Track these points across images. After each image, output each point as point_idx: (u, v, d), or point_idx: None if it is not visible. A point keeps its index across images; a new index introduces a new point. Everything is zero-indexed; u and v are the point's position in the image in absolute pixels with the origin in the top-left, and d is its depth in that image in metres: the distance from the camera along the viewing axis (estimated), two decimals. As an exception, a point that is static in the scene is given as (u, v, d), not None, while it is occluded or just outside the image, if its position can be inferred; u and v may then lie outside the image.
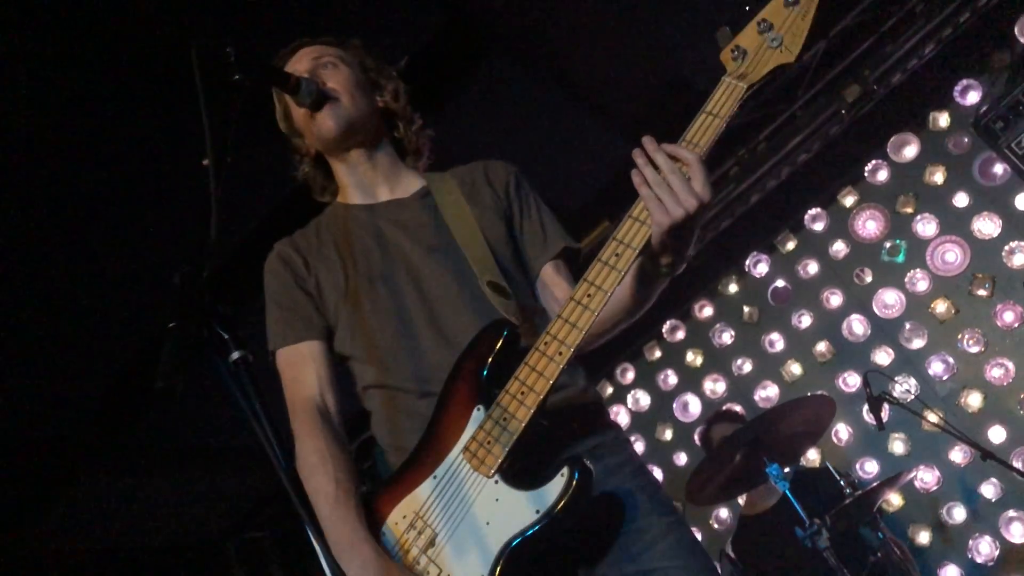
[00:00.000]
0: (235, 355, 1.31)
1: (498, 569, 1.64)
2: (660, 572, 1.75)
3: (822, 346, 5.81)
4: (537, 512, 1.63)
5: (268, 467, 1.27)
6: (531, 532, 1.63)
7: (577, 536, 1.76)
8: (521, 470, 1.69)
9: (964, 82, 5.21)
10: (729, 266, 6.22)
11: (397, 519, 1.81)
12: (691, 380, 6.36)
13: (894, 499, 5.36)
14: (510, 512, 1.66)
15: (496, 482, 1.69)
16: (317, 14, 3.41)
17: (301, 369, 2.03)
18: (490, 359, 1.78)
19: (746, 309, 6.15)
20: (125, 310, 4.00)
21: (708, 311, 6.32)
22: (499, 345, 1.78)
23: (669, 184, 1.58)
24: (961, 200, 5.36)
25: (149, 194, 3.57)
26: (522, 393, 1.67)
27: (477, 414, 1.75)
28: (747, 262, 6.13)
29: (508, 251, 2.07)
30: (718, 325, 6.26)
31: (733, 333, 6.21)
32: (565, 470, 1.63)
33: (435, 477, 1.79)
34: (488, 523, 1.68)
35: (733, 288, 6.23)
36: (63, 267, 3.76)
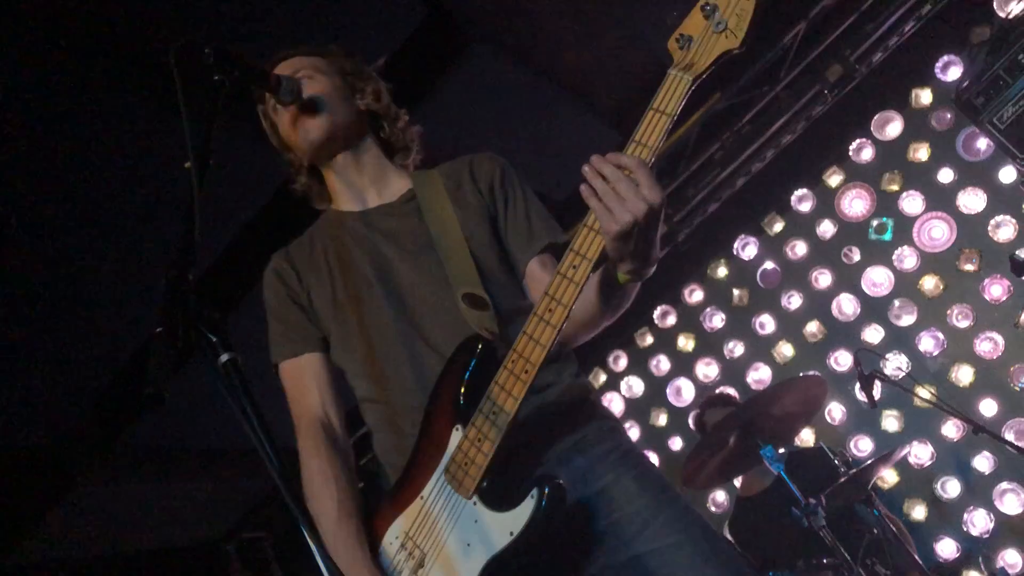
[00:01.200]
0: (224, 357, 1.31)
1: None
2: (654, 553, 1.75)
3: (813, 326, 5.84)
4: (511, 534, 1.63)
5: (265, 467, 1.27)
6: (507, 554, 1.64)
7: (568, 537, 1.76)
8: (498, 490, 1.69)
9: (945, 58, 5.23)
10: (718, 250, 6.23)
11: (391, 539, 1.84)
12: (683, 365, 6.38)
13: (889, 476, 5.39)
14: (487, 534, 1.66)
15: (475, 503, 1.70)
16: (298, 10, 3.40)
17: (302, 384, 2.06)
18: (463, 377, 1.77)
19: (736, 292, 6.17)
20: (117, 314, 3.99)
21: (698, 295, 6.33)
22: (472, 365, 1.77)
23: (616, 191, 1.53)
24: (946, 176, 5.38)
25: (135, 198, 3.56)
26: (493, 414, 1.67)
27: (456, 434, 1.75)
28: (735, 245, 6.14)
29: (492, 253, 2.05)
30: (709, 309, 6.27)
31: (724, 316, 6.23)
32: (535, 491, 1.62)
33: (422, 498, 1.80)
34: (469, 544, 1.69)
35: (722, 272, 6.24)
36: (52, 273, 3.74)
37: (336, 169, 2.18)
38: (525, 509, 1.62)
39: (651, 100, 1.60)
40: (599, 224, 1.58)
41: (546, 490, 1.62)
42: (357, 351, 2.02)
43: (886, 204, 5.59)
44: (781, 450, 4.27)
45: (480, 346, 1.78)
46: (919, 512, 5.31)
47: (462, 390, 1.77)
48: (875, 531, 4.27)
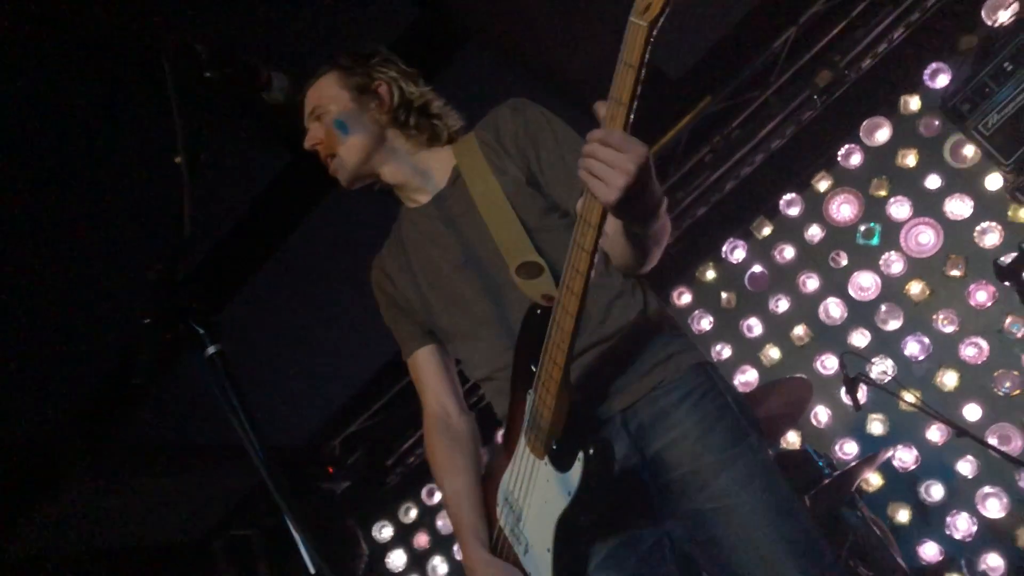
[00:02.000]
0: (211, 350, 1.33)
1: (554, 543, 1.82)
2: (713, 512, 1.83)
3: (800, 329, 5.87)
4: (568, 494, 1.76)
5: (253, 464, 1.28)
6: (570, 512, 1.78)
7: (632, 492, 1.89)
8: (560, 451, 1.81)
9: (933, 65, 5.26)
10: (706, 253, 6.26)
11: (501, 497, 2.03)
12: (672, 367, 6.39)
13: (873, 479, 5.42)
14: (556, 493, 1.80)
15: (546, 464, 1.83)
16: (289, 9, 3.41)
17: (419, 380, 2.29)
18: (530, 346, 1.87)
19: (724, 295, 6.19)
20: (104, 308, 3.99)
21: (687, 298, 6.36)
22: (534, 332, 1.85)
23: (605, 164, 1.55)
24: (933, 182, 5.42)
25: (124, 192, 3.57)
26: (546, 383, 1.77)
27: (529, 399, 1.87)
28: (724, 248, 6.17)
29: (542, 207, 2.09)
30: (697, 311, 6.30)
31: (712, 319, 6.25)
32: (581, 454, 1.73)
33: (515, 458, 1.97)
34: (546, 502, 1.84)
35: (711, 274, 6.27)
36: (41, 267, 3.74)
37: (384, 179, 2.27)
38: (575, 471, 1.74)
39: (620, 50, 1.57)
40: (599, 198, 1.60)
41: (591, 451, 1.72)
42: (455, 342, 2.19)
43: (874, 209, 5.63)
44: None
45: (537, 313, 1.87)
46: (903, 515, 5.35)
47: (532, 357, 1.86)
48: (859, 533, 4.31)
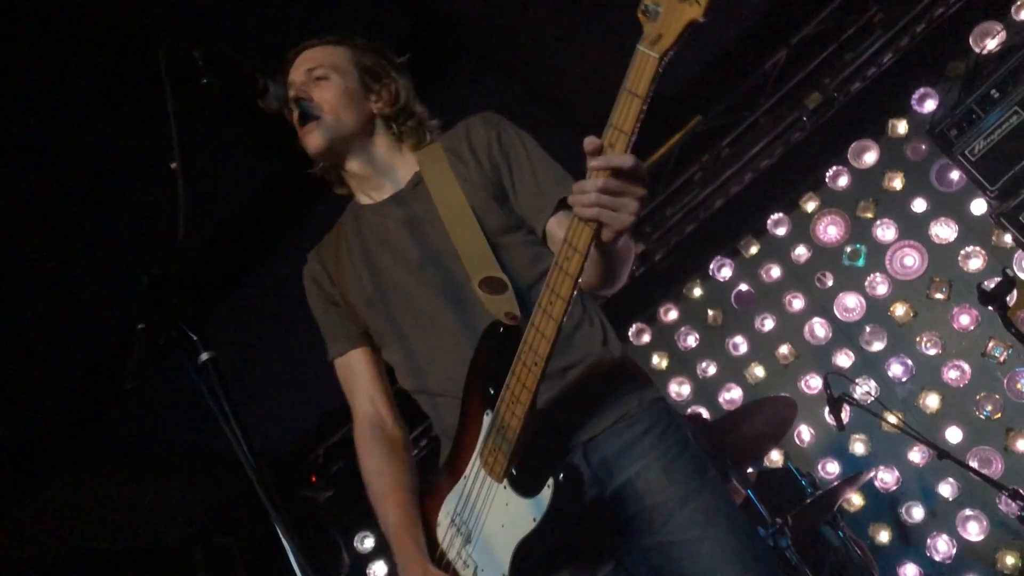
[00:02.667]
0: (203, 356, 1.33)
1: (511, 569, 1.76)
2: (677, 545, 1.81)
3: (784, 349, 5.90)
4: (534, 520, 1.71)
5: (235, 471, 1.28)
6: (532, 539, 1.72)
7: (596, 521, 1.84)
8: (523, 476, 1.76)
9: (921, 90, 5.32)
10: (693, 270, 6.29)
11: (444, 514, 1.95)
12: (657, 382, 6.36)
13: (855, 499, 5.45)
14: (516, 517, 1.75)
15: (505, 487, 1.77)
16: (282, 18, 3.42)
17: (349, 381, 2.20)
18: (489, 365, 1.82)
19: (710, 312, 6.22)
20: (91, 312, 3.97)
21: (673, 314, 6.38)
22: (494, 351, 1.81)
23: (613, 189, 1.53)
24: (919, 205, 5.47)
25: (118, 196, 3.56)
26: (512, 403, 1.71)
27: (487, 419, 1.81)
28: (711, 266, 6.20)
29: (505, 223, 2.05)
30: (683, 328, 6.32)
31: (698, 336, 6.28)
32: (550, 481, 1.68)
33: (465, 478, 1.88)
34: (503, 526, 1.78)
35: (697, 292, 6.30)
36: (29, 269, 3.73)
37: (346, 168, 2.22)
38: (544, 497, 1.69)
39: (624, 78, 1.54)
40: (607, 232, 1.58)
41: (561, 477, 1.68)
42: (391, 346, 2.11)
43: (860, 231, 5.68)
44: (750, 469, 4.31)
45: (500, 332, 1.83)
46: (883, 536, 5.38)
47: (487, 376, 1.82)
48: (839, 553, 4.33)
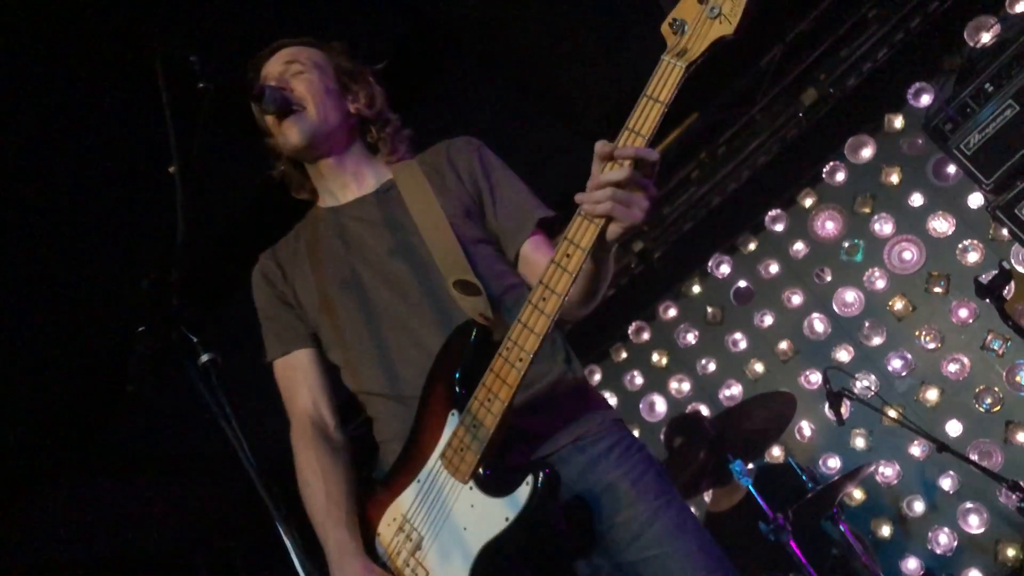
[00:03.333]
0: (204, 358, 1.34)
1: (473, 573, 1.69)
2: (646, 562, 1.78)
3: (784, 344, 5.91)
4: (507, 520, 1.67)
5: (236, 476, 1.29)
6: (502, 539, 1.67)
7: (564, 535, 1.80)
8: (494, 476, 1.72)
9: (917, 85, 5.33)
10: (692, 268, 6.29)
11: (388, 522, 1.87)
12: (657, 380, 6.43)
13: (855, 493, 5.46)
14: (483, 518, 1.70)
15: (471, 488, 1.73)
16: (279, 21, 3.43)
17: (293, 380, 2.11)
18: (460, 363, 1.79)
19: (709, 309, 6.23)
20: (92, 315, 3.98)
21: (672, 312, 6.39)
22: (467, 349, 1.79)
23: (629, 185, 1.53)
24: (916, 200, 5.48)
25: (117, 200, 3.57)
26: (488, 400, 1.69)
27: (452, 419, 1.78)
28: (710, 263, 6.21)
29: (479, 237, 2.05)
30: (682, 326, 6.33)
31: (697, 333, 6.29)
32: (529, 478, 1.66)
33: (419, 481, 1.83)
34: (465, 528, 1.72)
35: (696, 289, 6.31)
36: (32, 272, 3.74)
37: (319, 168, 2.19)
38: (521, 495, 1.65)
39: (645, 86, 1.55)
40: (616, 227, 1.58)
41: (540, 476, 1.65)
42: (346, 346, 2.04)
43: (858, 226, 5.68)
44: (750, 465, 4.32)
45: (475, 331, 1.80)
46: (885, 530, 5.38)
47: (457, 375, 1.78)
48: (841, 548, 4.33)
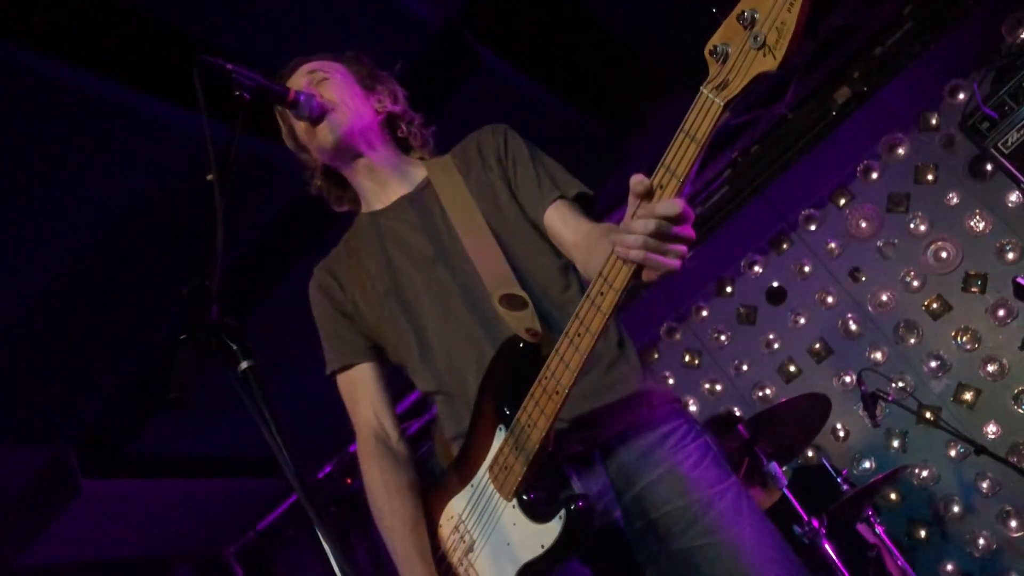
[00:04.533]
0: (243, 365, 1.36)
1: None
2: (700, 549, 1.77)
3: (818, 345, 5.86)
4: (542, 547, 1.70)
5: (275, 478, 1.31)
6: (539, 564, 1.71)
7: (614, 533, 1.82)
8: (534, 500, 1.74)
9: (953, 82, 5.27)
10: (725, 267, 6.26)
11: (445, 520, 1.93)
12: (689, 381, 6.40)
13: (891, 495, 5.40)
14: (523, 539, 1.73)
15: (514, 507, 1.75)
16: (311, 25, 3.47)
17: (355, 394, 2.16)
18: (506, 381, 1.81)
19: (742, 310, 6.20)
20: (136, 322, 4.05)
21: (704, 312, 6.37)
22: (513, 365, 1.80)
23: (661, 236, 1.49)
24: (952, 199, 5.42)
25: (155, 205, 3.62)
26: (528, 427, 1.69)
27: (499, 434, 1.80)
28: (742, 263, 6.18)
29: (520, 232, 2.06)
30: (715, 326, 6.30)
31: (730, 334, 6.26)
32: (562, 512, 1.67)
33: (472, 486, 1.87)
34: (508, 544, 1.76)
35: (729, 289, 6.28)
36: (74, 279, 3.80)
37: (356, 169, 2.21)
38: (554, 527, 1.68)
39: (683, 119, 1.48)
40: (652, 273, 1.56)
41: (573, 509, 1.67)
42: (412, 348, 2.07)
43: (893, 225, 5.63)
44: (785, 467, 4.29)
45: (521, 346, 1.81)
46: (921, 532, 5.32)
47: (503, 392, 1.80)
48: (876, 550, 4.30)
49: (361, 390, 2.14)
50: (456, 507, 1.90)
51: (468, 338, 1.97)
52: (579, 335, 1.61)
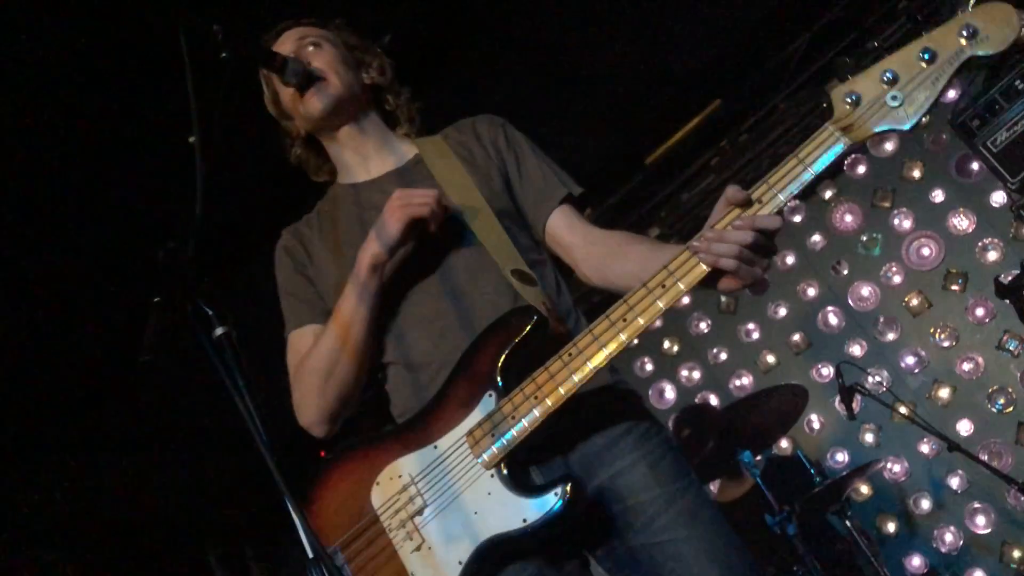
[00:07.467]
0: (219, 330, 1.33)
1: (473, 557, 1.66)
2: (660, 545, 1.76)
3: (797, 337, 5.89)
4: (524, 521, 1.63)
5: (246, 449, 1.28)
6: (514, 538, 1.64)
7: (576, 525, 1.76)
8: (517, 471, 1.69)
9: (944, 79, 5.26)
10: (708, 255, 6.25)
11: (393, 474, 1.81)
12: (667, 368, 6.42)
13: (863, 488, 5.45)
14: (498, 511, 1.66)
15: (492, 476, 1.69)
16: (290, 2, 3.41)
17: (301, 353, 2.06)
18: (513, 344, 1.74)
19: (723, 298, 6.21)
20: (107, 286, 3.99)
21: (685, 299, 6.35)
22: (526, 331, 1.74)
23: (755, 248, 1.56)
24: (937, 196, 5.43)
25: (136, 170, 3.57)
26: (535, 398, 1.67)
27: (488, 400, 1.74)
28: (725, 252, 6.17)
29: (515, 217, 2.04)
30: (695, 314, 6.32)
31: (710, 322, 6.27)
32: (559, 489, 1.63)
33: (436, 447, 1.77)
34: (476, 513, 1.68)
35: (711, 277, 6.28)
36: (46, 241, 3.75)
37: (340, 140, 2.17)
38: (545, 504, 1.62)
39: (799, 147, 1.56)
40: (733, 283, 1.60)
41: (568, 492, 1.62)
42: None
43: (877, 220, 5.64)
44: (758, 457, 4.31)
45: (536, 318, 1.74)
46: (890, 526, 5.38)
47: (504, 357, 1.73)
48: (846, 542, 4.33)
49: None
50: (405, 466, 1.80)
51: (492, 304, 1.89)
52: (624, 319, 1.62)
